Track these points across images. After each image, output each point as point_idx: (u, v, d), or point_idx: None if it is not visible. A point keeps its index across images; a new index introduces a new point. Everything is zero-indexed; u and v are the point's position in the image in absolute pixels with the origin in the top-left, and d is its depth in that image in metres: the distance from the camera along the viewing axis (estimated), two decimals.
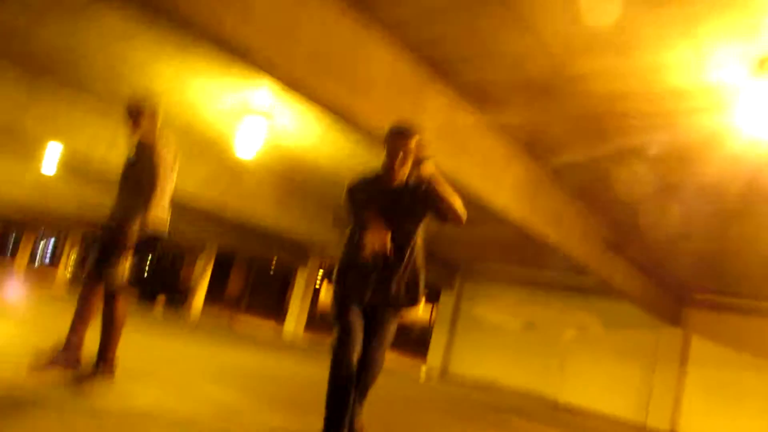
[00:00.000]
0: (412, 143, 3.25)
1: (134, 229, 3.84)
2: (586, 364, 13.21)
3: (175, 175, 4.14)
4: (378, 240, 3.14)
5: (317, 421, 3.16)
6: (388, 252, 3.18)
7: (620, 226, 9.06)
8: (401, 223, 3.29)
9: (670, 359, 12.09)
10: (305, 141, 8.53)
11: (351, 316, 3.24)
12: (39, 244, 45.58)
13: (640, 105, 5.30)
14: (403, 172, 3.27)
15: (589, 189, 7.76)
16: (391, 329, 3.33)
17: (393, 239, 3.21)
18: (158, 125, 4.20)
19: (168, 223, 4.11)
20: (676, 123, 5.51)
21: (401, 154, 3.22)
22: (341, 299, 3.30)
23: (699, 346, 12.03)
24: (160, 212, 4.01)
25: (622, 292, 10.09)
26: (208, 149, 9.89)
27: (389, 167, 3.26)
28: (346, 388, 3.09)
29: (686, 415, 11.77)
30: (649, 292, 10.91)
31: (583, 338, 13.49)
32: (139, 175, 4.03)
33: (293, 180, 11.23)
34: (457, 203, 3.26)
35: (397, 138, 3.27)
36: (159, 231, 4.03)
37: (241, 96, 7.17)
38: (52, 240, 53.23)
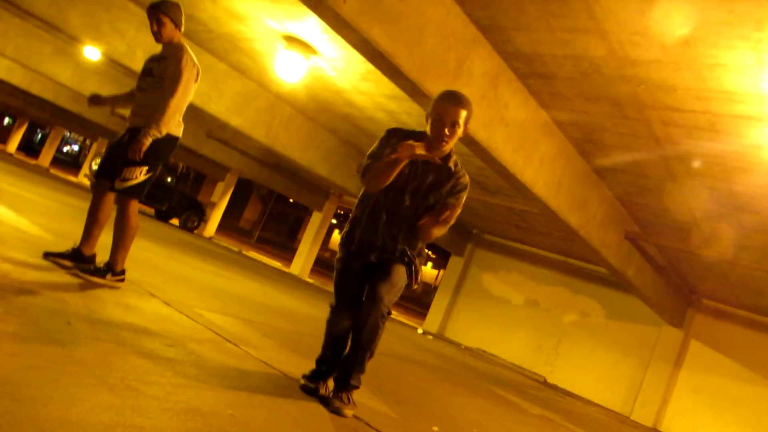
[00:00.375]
0: (464, 113, 2.95)
1: (151, 132, 3.81)
2: (581, 349, 13.29)
3: (193, 90, 4.06)
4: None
5: (311, 361, 3.21)
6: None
7: (643, 221, 8.95)
8: (419, 197, 3.08)
9: (666, 359, 12.12)
10: (342, 84, 8.44)
11: (348, 285, 3.15)
12: (64, 146, 46.06)
13: (689, 101, 5.13)
14: (448, 144, 2.99)
15: (620, 179, 7.63)
16: (399, 273, 3.07)
17: (404, 209, 3.07)
18: (181, 31, 4.07)
19: (181, 130, 4.07)
20: (722, 127, 5.36)
21: (450, 121, 2.91)
22: (343, 263, 3.17)
23: (696, 349, 12.05)
24: (177, 116, 3.98)
25: (632, 286, 10.03)
26: (246, 72, 9.82)
27: (436, 134, 2.95)
28: (340, 340, 3.11)
29: (670, 415, 11.90)
30: (658, 290, 10.84)
31: (583, 324, 13.53)
32: (163, 73, 3.95)
33: (323, 121, 11.18)
34: (441, 232, 3.10)
35: (450, 103, 2.95)
36: (174, 135, 4.01)
37: (288, 25, 7.06)
38: (77, 146, 53.87)
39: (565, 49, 5.07)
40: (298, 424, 2.60)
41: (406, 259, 3.11)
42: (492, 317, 14.76)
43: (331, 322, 3.15)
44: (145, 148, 3.79)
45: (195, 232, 19.51)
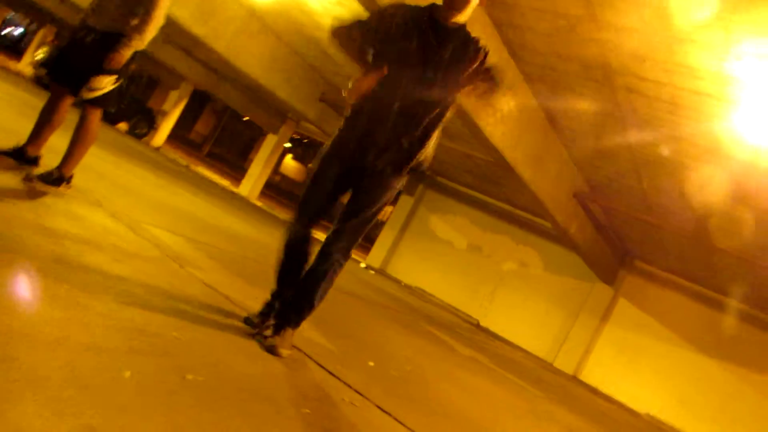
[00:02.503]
0: None
1: (133, 43, 3.62)
2: (516, 297, 13.81)
3: None
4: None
5: (257, 290, 3.23)
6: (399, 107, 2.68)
7: (593, 182, 9.18)
8: (431, 78, 2.69)
9: (594, 313, 12.77)
10: (315, 6, 8.15)
11: (319, 195, 2.84)
12: (5, 28, 43.16)
13: (655, 72, 5.20)
14: (465, 11, 2.67)
15: (578, 140, 7.76)
16: (385, 198, 2.82)
17: (410, 95, 2.68)
18: None
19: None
20: (682, 101, 5.47)
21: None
22: (324, 164, 2.85)
23: (623, 307, 12.75)
24: (152, 32, 3.79)
25: (572, 242, 10.39)
26: None
27: (447, 11, 2.66)
28: (295, 266, 2.90)
29: (590, 365, 12.65)
30: (596, 249, 11.27)
31: (521, 273, 14.01)
32: None
33: (290, 43, 10.83)
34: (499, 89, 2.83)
35: None
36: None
37: None
38: (21, 29, 50.50)
39: (544, 3, 5.02)
40: (240, 350, 2.64)
41: (406, 168, 2.81)
42: (434, 258, 15.08)
43: (288, 244, 2.87)
44: (124, 60, 3.61)
45: (143, 140, 18.91)
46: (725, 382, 11.44)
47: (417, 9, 2.79)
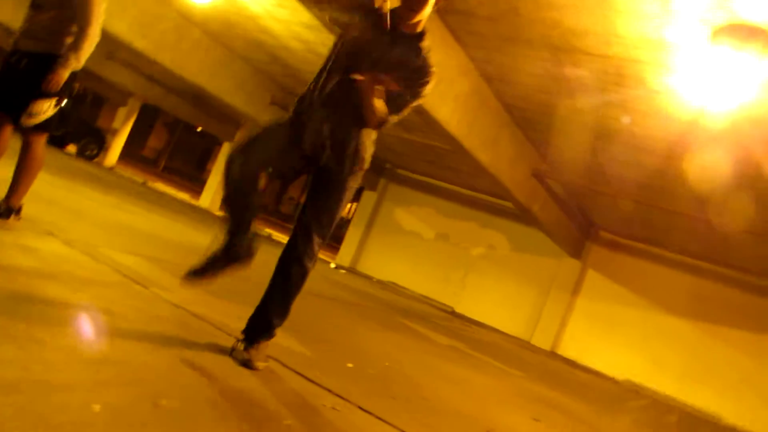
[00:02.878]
0: None
1: (70, 63, 3.51)
2: (487, 280, 13.92)
3: (103, 10, 3.73)
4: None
5: (225, 303, 3.17)
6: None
7: (550, 159, 9.29)
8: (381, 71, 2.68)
9: (565, 288, 12.96)
10: (255, 9, 8.04)
11: (273, 142, 2.78)
12: None
13: (599, 46, 5.27)
14: (415, 14, 2.69)
15: (531, 118, 7.83)
16: (345, 196, 2.80)
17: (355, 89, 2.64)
18: None
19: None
20: (627, 71, 5.55)
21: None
22: (285, 121, 2.81)
23: (592, 278, 12.97)
24: (89, 49, 3.67)
25: (536, 220, 10.52)
26: None
27: (405, 11, 2.68)
28: (237, 194, 2.78)
29: (567, 339, 12.85)
30: (560, 224, 11.43)
31: (490, 256, 14.13)
32: None
33: (236, 48, 10.67)
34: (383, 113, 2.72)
35: None
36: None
37: None
38: None
39: None
40: (214, 368, 2.58)
41: (356, 168, 2.82)
42: (403, 251, 15.10)
43: (229, 167, 2.72)
44: (63, 81, 3.50)
45: (94, 161, 18.44)
46: (696, 340, 11.76)
47: (375, 11, 2.80)
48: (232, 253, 2.84)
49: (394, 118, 2.80)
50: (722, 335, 11.62)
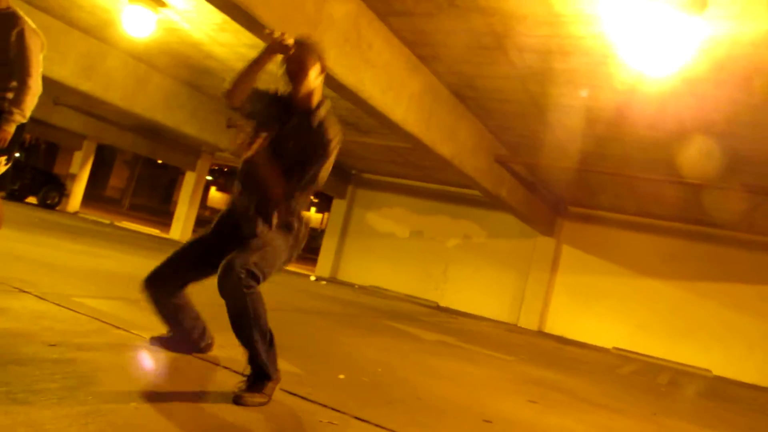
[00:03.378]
0: (311, 59, 2.82)
1: (14, 118, 3.47)
2: (467, 270, 14.04)
3: (41, 59, 3.71)
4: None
5: (215, 334, 3.16)
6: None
7: (510, 144, 9.41)
8: (286, 159, 2.83)
9: (543, 267, 13.14)
10: (198, 36, 8.00)
11: (193, 242, 3.08)
12: None
13: (538, 27, 5.36)
14: (305, 92, 2.83)
15: (486, 106, 7.92)
16: (263, 242, 2.79)
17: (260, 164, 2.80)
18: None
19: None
20: (569, 48, 5.66)
21: (298, 69, 2.79)
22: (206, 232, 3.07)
23: (568, 254, 13.17)
24: (32, 101, 3.65)
25: (506, 205, 10.64)
26: (90, 30, 9.02)
27: (291, 86, 2.83)
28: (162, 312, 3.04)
29: (552, 317, 13.03)
30: (530, 206, 11.58)
31: (466, 246, 14.25)
32: (3, 46, 3.58)
33: (184, 78, 10.59)
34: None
35: (295, 50, 2.81)
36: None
37: None
38: None
39: None
40: (207, 407, 2.58)
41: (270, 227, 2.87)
42: (381, 253, 15.14)
43: (144, 294, 3.01)
44: (10, 137, 3.46)
45: (57, 208, 18.13)
46: (676, 298, 12.02)
47: (277, 95, 2.98)
48: (184, 343, 3.11)
49: (302, 190, 2.88)
50: (700, 290, 11.91)
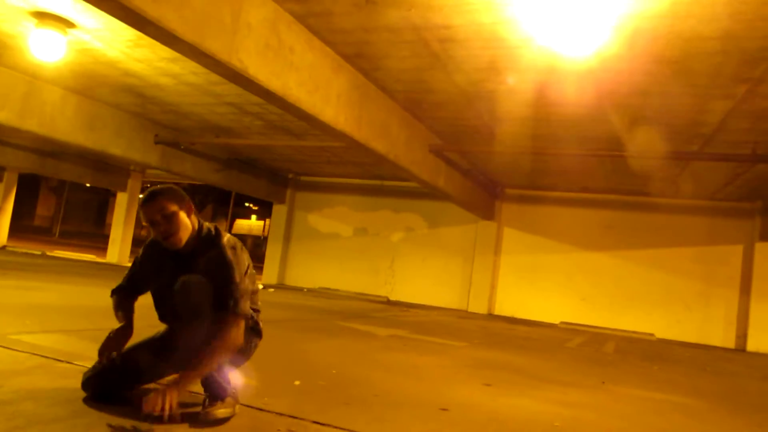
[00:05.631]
0: (167, 203, 2.68)
1: None
2: (413, 262, 14.19)
3: None
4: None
5: None
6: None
7: (442, 133, 9.55)
8: (179, 304, 2.67)
9: (487, 250, 13.41)
10: (113, 54, 7.75)
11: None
12: None
13: (454, 16, 5.45)
14: (177, 236, 2.70)
15: (414, 98, 8.01)
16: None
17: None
18: None
19: None
20: (486, 34, 5.78)
21: (159, 217, 2.66)
22: None
23: (509, 235, 13.50)
24: None
25: (445, 194, 10.80)
26: None
27: (160, 236, 2.72)
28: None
29: (500, 298, 13.33)
30: (468, 192, 11.79)
31: (411, 238, 14.39)
32: None
33: (104, 97, 10.24)
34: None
35: (147, 204, 2.69)
36: None
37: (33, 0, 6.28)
38: None
39: None
40: (165, 429, 2.53)
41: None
42: (326, 254, 15.11)
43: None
44: None
45: None
46: (613, 267, 12.51)
47: (155, 242, 2.87)
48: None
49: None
50: (637, 258, 12.42)
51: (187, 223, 2.75)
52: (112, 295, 3.00)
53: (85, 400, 2.71)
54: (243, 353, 2.87)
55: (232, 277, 2.69)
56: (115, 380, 2.76)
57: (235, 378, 2.84)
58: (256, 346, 3.04)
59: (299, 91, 5.96)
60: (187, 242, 2.77)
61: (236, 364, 2.92)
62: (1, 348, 3.53)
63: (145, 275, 2.96)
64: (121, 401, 2.69)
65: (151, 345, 2.93)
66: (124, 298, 2.99)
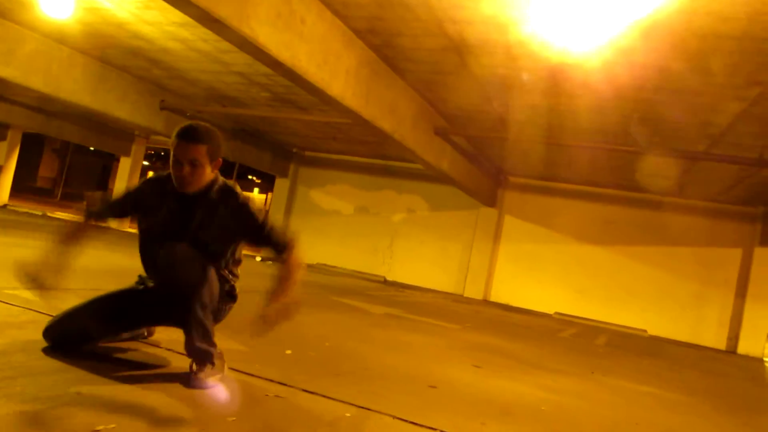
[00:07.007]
0: (203, 149, 2.64)
1: None
2: (412, 243, 14.20)
3: None
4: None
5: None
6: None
7: (449, 116, 9.50)
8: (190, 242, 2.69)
9: (486, 237, 13.41)
10: (123, 15, 7.69)
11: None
12: None
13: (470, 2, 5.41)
14: (195, 184, 2.70)
15: (424, 79, 7.95)
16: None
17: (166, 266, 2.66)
18: None
19: None
20: (502, 19, 5.73)
21: (188, 160, 2.62)
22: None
23: (509, 223, 13.50)
24: None
25: (449, 178, 10.76)
26: (5, 13, 8.54)
27: (177, 176, 2.67)
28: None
29: (496, 285, 13.36)
30: (472, 177, 11.75)
31: (411, 220, 14.39)
32: None
33: (111, 59, 10.18)
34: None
35: (184, 140, 2.63)
36: None
37: None
38: None
39: None
40: (153, 387, 2.54)
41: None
42: (327, 231, 15.11)
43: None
44: None
45: None
46: (611, 262, 12.52)
47: (160, 179, 2.84)
48: None
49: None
50: (636, 255, 12.42)
51: (208, 175, 2.73)
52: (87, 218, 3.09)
53: (71, 355, 2.72)
54: (215, 315, 2.84)
55: (266, 220, 2.83)
56: (75, 333, 2.81)
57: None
58: (230, 308, 3.01)
59: (308, 64, 5.91)
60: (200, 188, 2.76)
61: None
62: None
63: (137, 205, 2.92)
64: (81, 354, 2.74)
65: (127, 297, 3.01)
66: (95, 218, 3.14)
